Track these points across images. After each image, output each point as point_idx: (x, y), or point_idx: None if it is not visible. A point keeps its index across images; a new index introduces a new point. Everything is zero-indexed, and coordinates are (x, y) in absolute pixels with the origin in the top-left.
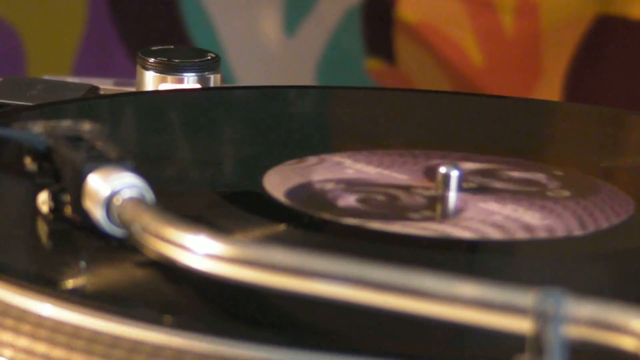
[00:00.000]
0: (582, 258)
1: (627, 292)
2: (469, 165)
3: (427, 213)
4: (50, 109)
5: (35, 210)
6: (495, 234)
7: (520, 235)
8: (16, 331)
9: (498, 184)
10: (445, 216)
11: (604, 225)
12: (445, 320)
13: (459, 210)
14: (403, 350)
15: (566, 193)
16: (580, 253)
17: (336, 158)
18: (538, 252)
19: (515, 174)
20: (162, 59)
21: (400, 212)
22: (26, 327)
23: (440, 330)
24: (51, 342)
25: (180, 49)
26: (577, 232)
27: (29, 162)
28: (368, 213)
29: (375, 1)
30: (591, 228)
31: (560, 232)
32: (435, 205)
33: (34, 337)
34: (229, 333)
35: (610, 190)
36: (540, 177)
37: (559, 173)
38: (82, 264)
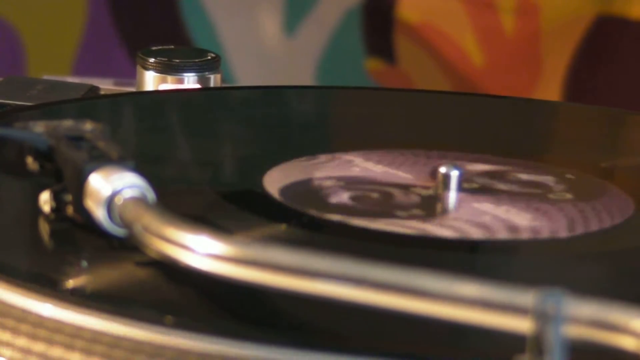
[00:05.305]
0: (581, 258)
1: (627, 292)
2: (480, 167)
3: (415, 211)
4: (50, 109)
5: (37, 210)
6: (476, 234)
7: (502, 235)
8: (17, 331)
9: (502, 186)
10: (432, 215)
11: (596, 227)
12: (446, 320)
13: (448, 210)
14: (403, 350)
15: (569, 196)
16: (580, 253)
17: (348, 157)
18: (537, 251)
19: (524, 176)
20: (162, 59)
21: (389, 210)
22: (27, 327)
23: (440, 330)
24: (52, 342)
25: (180, 49)
26: (563, 234)
27: (30, 162)
28: (355, 210)
29: (376, 1)
30: (580, 230)
31: (544, 233)
32: (426, 204)
33: (35, 337)
34: (230, 333)
35: (615, 192)
36: (548, 179)
37: (570, 176)
38: (84, 263)
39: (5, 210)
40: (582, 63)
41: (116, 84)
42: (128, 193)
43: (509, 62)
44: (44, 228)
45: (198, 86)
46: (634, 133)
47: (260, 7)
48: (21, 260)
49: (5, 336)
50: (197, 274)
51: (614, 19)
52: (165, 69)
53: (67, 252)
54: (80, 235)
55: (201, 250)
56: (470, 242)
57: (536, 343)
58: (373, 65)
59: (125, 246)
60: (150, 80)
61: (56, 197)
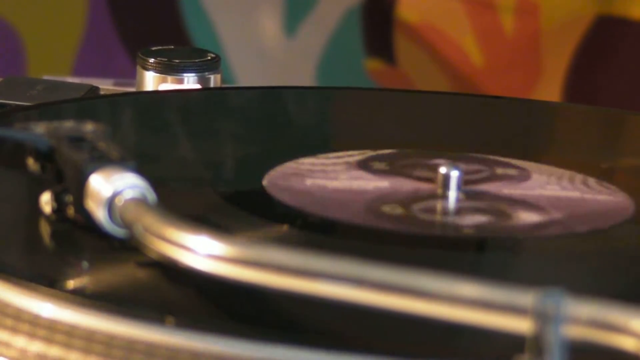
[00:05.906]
0: (581, 258)
1: (627, 292)
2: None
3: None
4: (50, 109)
5: (38, 211)
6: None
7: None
8: (18, 331)
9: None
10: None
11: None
12: (445, 320)
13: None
14: (403, 350)
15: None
16: (580, 252)
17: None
18: (536, 251)
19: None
20: (162, 59)
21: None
22: (28, 327)
23: (440, 330)
24: (52, 342)
25: (180, 49)
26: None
27: (31, 163)
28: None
29: (375, 1)
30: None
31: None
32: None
33: (35, 337)
34: (229, 333)
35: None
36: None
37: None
38: (84, 264)
39: (7, 211)
40: (582, 63)
41: (116, 84)
42: (129, 194)
43: (509, 62)
44: (45, 229)
45: (198, 86)
46: (634, 133)
47: (260, 7)
48: (22, 260)
49: (6, 336)
50: (197, 275)
51: (614, 19)
52: (165, 69)
53: (68, 252)
54: (81, 236)
55: (202, 251)
56: (470, 242)
57: (536, 343)
58: (373, 65)
59: (125, 247)
60: (150, 81)
61: (57, 198)
